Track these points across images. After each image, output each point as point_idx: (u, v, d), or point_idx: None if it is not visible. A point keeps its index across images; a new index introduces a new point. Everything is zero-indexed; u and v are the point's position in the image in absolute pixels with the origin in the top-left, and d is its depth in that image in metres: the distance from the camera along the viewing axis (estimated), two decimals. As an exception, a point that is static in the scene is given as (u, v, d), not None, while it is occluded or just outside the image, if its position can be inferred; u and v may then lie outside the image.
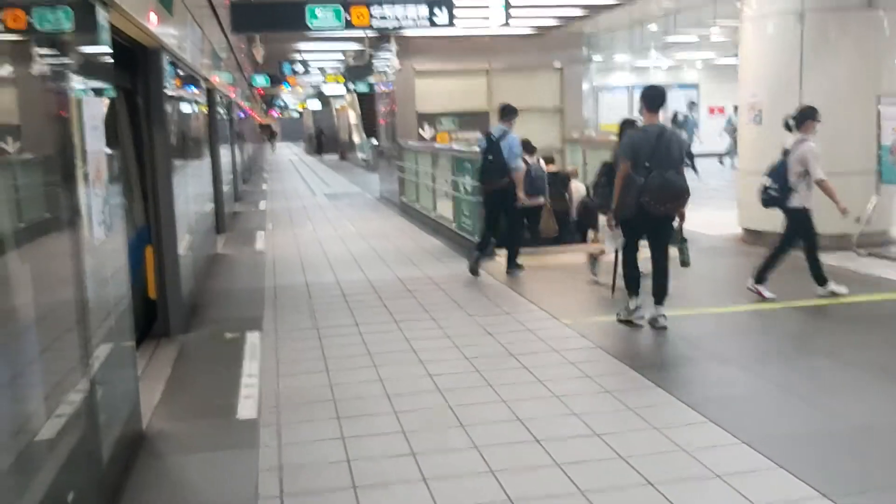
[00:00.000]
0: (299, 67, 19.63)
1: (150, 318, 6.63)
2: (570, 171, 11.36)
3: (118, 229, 4.29)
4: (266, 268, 9.61)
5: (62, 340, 3.48)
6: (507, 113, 8.75)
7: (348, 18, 9.52)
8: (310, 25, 9.51)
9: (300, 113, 58.04)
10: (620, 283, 6.93)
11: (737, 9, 10.75)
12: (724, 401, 4.72)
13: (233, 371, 5.62)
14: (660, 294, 6.40)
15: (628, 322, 6.49)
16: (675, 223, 6.50)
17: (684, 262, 6.80)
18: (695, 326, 6.49)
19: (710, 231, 10.93)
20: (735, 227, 10.71)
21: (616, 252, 7.22)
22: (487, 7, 10.61)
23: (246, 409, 4.89)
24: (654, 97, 6.35)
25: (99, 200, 3.74)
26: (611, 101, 24.67)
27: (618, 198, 6.30)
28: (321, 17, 9.46)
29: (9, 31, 3.20)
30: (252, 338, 6.44)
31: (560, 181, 10.51)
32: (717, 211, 12.66)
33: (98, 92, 3.92)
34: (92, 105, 3.71)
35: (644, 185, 6.02)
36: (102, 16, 3.98)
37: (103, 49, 4.05)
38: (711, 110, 27.68)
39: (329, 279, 8.77)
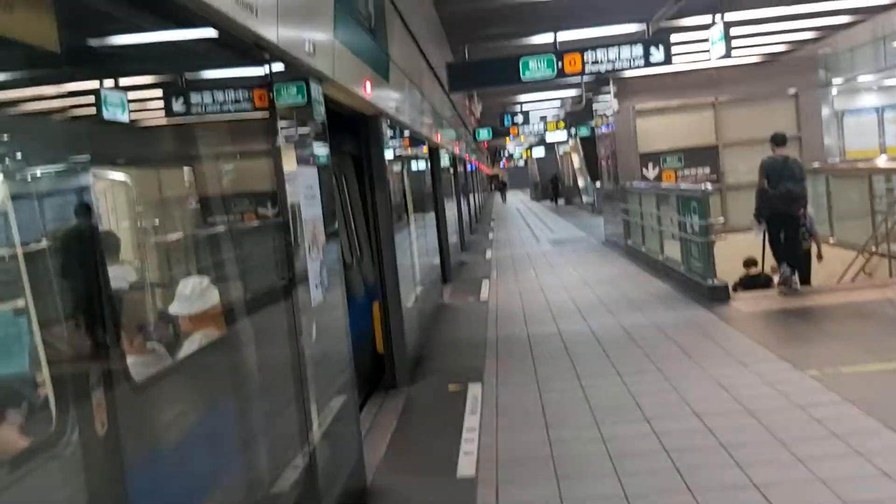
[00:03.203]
0: (520, 118, 19.95)
1: (380, 372, 6.87)
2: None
3: (337, 290, 4.46)
4: (489, 317, 9.67)
5: (284, 398, 3.65)
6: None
7: (560, 66, 9.49)
8: (523, 78, 9.59)
9: (525, 161, 59.03)
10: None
11: None
12: None
13: (454, 424, 5.63)
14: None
15: (786, 284, 9.21)
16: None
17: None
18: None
19: None
20: None
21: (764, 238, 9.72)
22: (706, 40, 10.14)
23: (466, 465, 4.84)
24: (779, 138, 9.29)
25: (316, 264, 3.91)
26: (857, 125, 22.57)
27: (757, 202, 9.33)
28: (534, 68, 9.51)
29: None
30: (473, 390, 6.44)
31: None
32: None
33: (314, 160, 4.13)
34: (306, 174, 3.91)
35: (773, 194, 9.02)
36: (317, 90, 4.22)
37: (319, 119, 4.28)
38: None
39: (551, 329, 8.63)
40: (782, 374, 5.98)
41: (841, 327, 7.51)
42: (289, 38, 3.61)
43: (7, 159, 2.30)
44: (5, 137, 2.32)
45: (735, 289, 9.96)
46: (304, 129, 4.03)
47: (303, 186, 3.82)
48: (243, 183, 3.87)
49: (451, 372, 7.25)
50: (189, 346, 3.63)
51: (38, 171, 2.80)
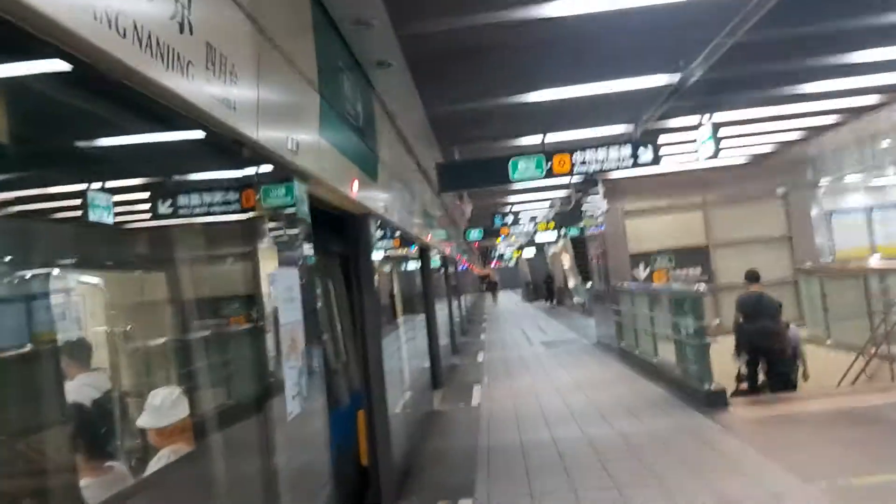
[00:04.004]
0: (510, 218, 20.00)
1: (365, 487, 6.47)
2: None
3: (317, 399, 4.19)
4: (481, 424, 9.29)
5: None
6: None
7: (549, 167, 9.46)
8: (512, 178, 9.55)
9: (517, 261, 59.24)
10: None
11: None
12: None
13: (443, 545, 5.23)
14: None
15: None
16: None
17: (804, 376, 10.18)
18: None
19: None
20: None
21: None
22: (695, 141, 10.19)
23: (455, 592, 4.45)
24: (752, 276, 9.98)
25: (294, 372, 3.65)
26: (847, 225, 22.69)
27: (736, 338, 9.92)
28: (523, 168, 9.48)
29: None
30: (464, 506, 6.05)
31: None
32: None
33: (295, 261, 3.94)
34: (285, 276, 3.71)
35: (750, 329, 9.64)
36: (300, 188, 4.06)
37: (302, 219, 4.11)
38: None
39: (545, 436, 8.27)
40: (790, 487, 5.64)
41: (846, 434, 7.20)
42: (269, 136, 3.47)
43: None
44: None
45: (733, 394, 9.69)
46: (284, 230, 3.85)
47: (282, 289, 3.60)
48: (219, 287, 3.67)
49: (440, 486, 6.85)
50: (156, 463, 3.36)
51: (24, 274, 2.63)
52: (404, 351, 8.51)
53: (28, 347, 2.51)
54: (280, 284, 3.58)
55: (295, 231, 3.99)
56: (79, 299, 4.26)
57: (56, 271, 3.28)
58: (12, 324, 2.53)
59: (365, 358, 6.57)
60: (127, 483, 3.19)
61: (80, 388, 4.00)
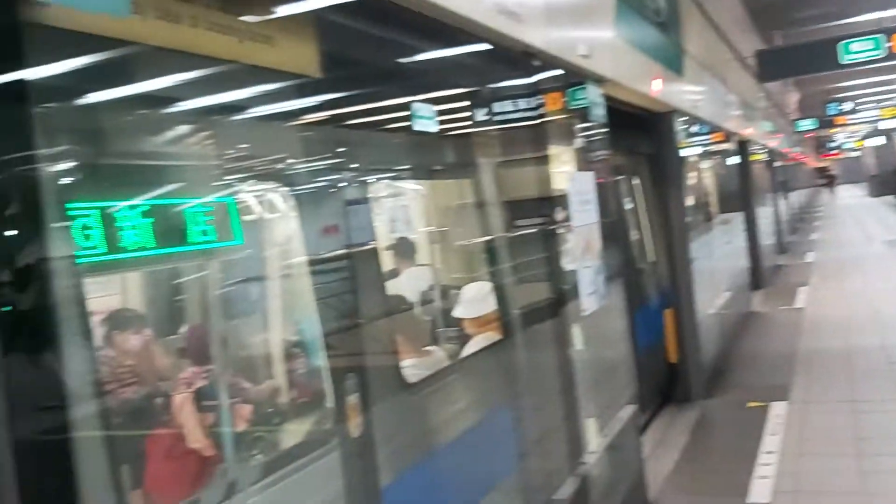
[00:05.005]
0: (847, 105, 17.95)
1: (673, 383, 6.57)
2: None
3: (617, 298, 4.33)
4: (803, 328, 8.80)
5: (556, 406, 3.61)
6: None
7: (889, 47, 8.34)
8: (841, 62, 8.59)
9: (859, 152, 53.07)
10: None
11: None
12: None
13: (751, 444, 5.20)
14: None
15: None
16: None
17: None
18: None
19: None
20: None
21: None
22: None
23: (759, 491, 4.45)
24: None
25: (590, 272, 3.82)
26: None
27: None
28: (856, 50, 8.47)
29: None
30: (776, 408, 5.90)
31: None
32: None
33: (590, 164, 4.05)
34: (581, 179, 3.85)
35: None
36: (594, 92, 4.13)
37: (596, 122, 4.18)
38: None
39: (874, 342, 7.62)
40: None
41: None
42: (558, 43, 3.56)
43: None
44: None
45: None
46: (578, 134, 3.97)
47: (578, 191, 3.76)
48: (519, 190, 3.90)
49: (753, 387, 6.71)
50: (469, 349, 3.74)
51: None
52: (718, 251, 8.29)
53: (371, 244, 2.79)
54: (576, 187, 3.73)
55: (590, 134, 4.09)
56: (407, 203, 4.78)
57: (388, 178, 3.71)
58: (359, 223, 2.84)
59: (672, 258, 6.55)
60: (443, 365, 3.61)
61: (407, 282, 4.56)
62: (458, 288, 3.97)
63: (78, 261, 1.58)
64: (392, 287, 4.05)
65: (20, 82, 1.28)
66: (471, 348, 3.67)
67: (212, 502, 2.00)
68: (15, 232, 1.25)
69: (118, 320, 2.62)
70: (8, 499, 1.09)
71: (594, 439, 3.80)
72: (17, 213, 1.25)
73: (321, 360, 2.41)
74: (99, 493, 1.48)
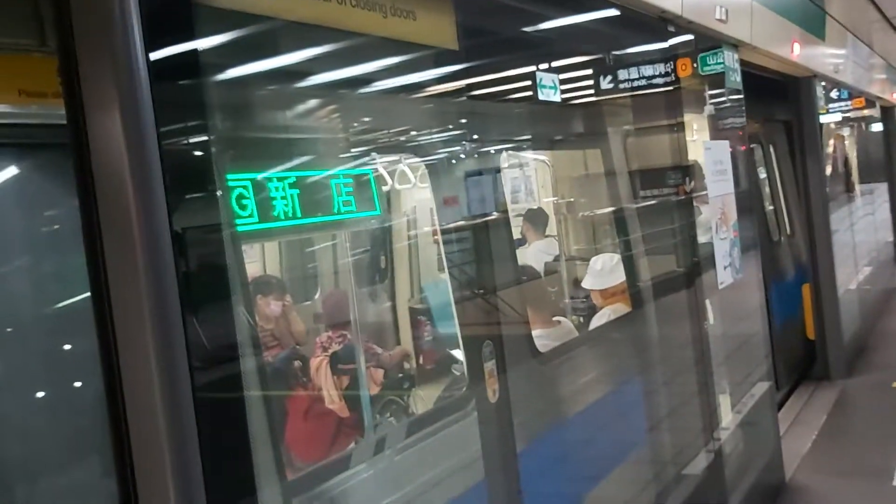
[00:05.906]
0: None
1: (810, 360, 6.31)
2: None
3: (754, 271, 4.19)
4: (955, 306, 8.24)
5: (688, 381, 3.55)
6: None
7: None
8: None
9: None
10: None
11: None
12: None
13: (895, 427, 4.94)
14: None
15: None
16: None
17: None
18: None
19: None
20: None
21: None
22: None
23: (905, 475, 4.23)
24: None
25: (725, 244, 3.71)
26: None
27: None
28: None
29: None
30: (925, 390, 5.57)
31: None
32: None
33: (725, 132, 3.92)
34: (716, 148, 3.73)
35: None
36: (730, 57, 3.98)
37: (732, 88, 4.03)
38: None
39: None
40: None
41: None
42: (695, 6, 3.45)
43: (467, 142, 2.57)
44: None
45: None
46: (713, 101, 3.84)
47: (713, 160, 3.64)
48: (650, 159, 3.82)
49: (898, 367, 6.36)
50: (597, 320, 3.72)
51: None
52: (860, 223, 7.84)
53: (495, 215, 2.81)
54: (711, 156, 3.62)
55: (725, 101, 3.95)
56: (532, 174, 4.76)
57: (512, 149, 3.71)
58: (483, 195, 2.85)
59: (811, 230, 6.25)
60: (572, 336, 3.61)
61: (535, 253, 4.56)
62: (586, 259, 3.95)
63: (238, 229, 1.67)
64: (522, 257, 4.07)
65: (191, 57, 1.37)
66: (599, 320, 3.65)
67: (360, 460, 2.10)
68: (195, 196, 1.34)
69: (261, 286, 2.76)
70: (190, 447, 1.19)
71: (727, 415, 3.71)
72: (193, 181, 1.34)
73: (456, 328, 2.46)
74: (260, 446, 1.57)
